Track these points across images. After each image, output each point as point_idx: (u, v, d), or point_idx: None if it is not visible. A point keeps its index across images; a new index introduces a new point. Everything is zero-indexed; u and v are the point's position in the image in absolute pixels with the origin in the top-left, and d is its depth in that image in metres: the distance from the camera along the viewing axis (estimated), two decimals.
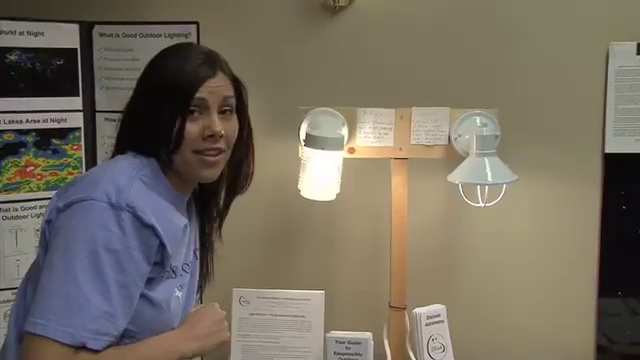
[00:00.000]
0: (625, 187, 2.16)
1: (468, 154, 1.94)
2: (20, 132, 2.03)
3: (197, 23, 2.08)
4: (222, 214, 1.49)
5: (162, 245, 1.24)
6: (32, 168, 2.05)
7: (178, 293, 1.35)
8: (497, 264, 2.22)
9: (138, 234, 1.20)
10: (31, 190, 2.06)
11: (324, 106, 2.01)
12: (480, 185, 1.94)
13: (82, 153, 2.12)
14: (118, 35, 2.12)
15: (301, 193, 1.99)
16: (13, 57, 2.00)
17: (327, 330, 2.05)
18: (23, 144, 2.04)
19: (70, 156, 2.10)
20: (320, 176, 1.96)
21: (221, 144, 1.31)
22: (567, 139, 2.17)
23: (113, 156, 1.34)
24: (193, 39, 2.07)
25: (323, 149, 1.93)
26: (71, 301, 1.15)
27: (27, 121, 2.03)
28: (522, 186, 2.01)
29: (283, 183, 2.14)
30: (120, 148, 1.34)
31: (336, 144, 1.95)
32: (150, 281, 1.25)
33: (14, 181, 2.04)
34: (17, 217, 2.04)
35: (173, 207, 1.30)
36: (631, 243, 2.17)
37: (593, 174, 2.17)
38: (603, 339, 2.20)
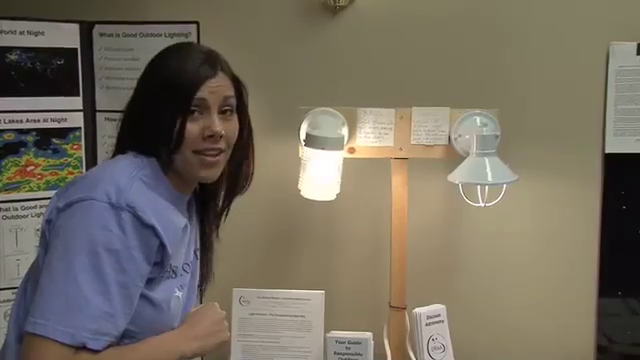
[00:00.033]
0: (625, 187, 2.16)
1: (468, 154, 1.94)
2: (20, 132, 2.03)
3: (197, 23, 2.08)
4: (222, 214, 1.49)
5: (162, 245, 1.24)
6: (32, 168, 2.05)
7: (178, 293, 1.35)
8: (497, 264, 2.22)
9: (138, 234, 1.20)
10: (31, 190, 2.06)
11: (324, 106, 2.00)
12: (480, 185, 1.94)
13: (82, 153, 2.12)
14: (118, 35, 2.12)
15: (301, 193, 1.99)
16: (13, 57, 2.00)
17: (327, 330, 2.05)
18: (23, 144, 2.04)
19: (70, 156, 2.10)
20: (320, 176, 1.96)
21: (221, 144, 1.31)
22: (567, 139, 2.17)
23: (113, 156, 1.34)
24: (193, 39, 2.07)
25: (323, 149, 1.93)
26: (71, 301, 1.15)
27: (27, 121, 2.04)
28: (522, 186, 2.01)
29: (283, 183, 2.14)
30: (120, 148, 1.34)
31: (336, 144, 1.95)
32: (150, 281, 1.25)
33: (14, 181, 2.04)
34: (17, 217, 2.04)
35: (173, 207, 1.30)
36: (631, 243, 2.17)
37: (593, 174, 2.17)
38: (603, 339, 2.20)
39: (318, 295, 2.08)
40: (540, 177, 2.16)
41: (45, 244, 1.24)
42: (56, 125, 2.07)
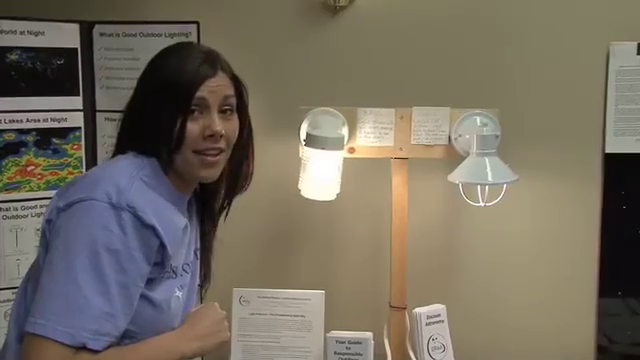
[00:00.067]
0: (625, 187, 2.16)
1: (468, 154, 1.94)
2: (20, 131, 2.03)
3: (197, 23, 2.08)
4: (221, 214, 1.49)
5: (162, 245, 1.24)
6: (32, 167, 2.05)
7: (178, 293, 1.35)
8: (497, 264, 2.22)
9: (139, 234, 1.20)
10: (31, 189, 2.06)
11: (324, 106, 2.00)
12: (480, 185, 1.94)
13: (82, 153, 2.12)
14: (118, 35, 2.12)
15: (301, 193, 1.99)
16: (13, 56, 2.00)
17: (327, 330, 2.05)
18: (23, 143, 2.04)
19: (70, 156, 2.10)
20: (320, 176, 1.96)
21: (221, 144, 1.31)
22: (567, 139, 2.17)
23: (113, 156, 1.34)
24: (193, 39, 2.07)
25: (323, 149, 1.93)
26: (71, 301, 1.15)
27: (27, 120, 2.04)
28: (522, 186, 2.01)
29: (283, 183, 2.14)
30: (121, 148, 1.34)
31: (336, 144, 1.95)
32: (150, 281, 1.25)
33: (14, 180, 2.04)
34: (17, 216, 2.04)
35: (174, 207, 1.30)
36: (631, 243, 2.17)
37: (593, 174, 2.17)
38: (603, 339, 2.20)
39: (318, 295, 2.08)
40: (540, 177, 2.16)
41: (45, 244, 1.24)
42: (56, 125, 2.07)
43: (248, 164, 1.44)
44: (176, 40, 1.96)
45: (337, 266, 2.26)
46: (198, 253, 1.46)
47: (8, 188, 2.03)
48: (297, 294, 2.09)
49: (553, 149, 2.16)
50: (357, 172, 2.09)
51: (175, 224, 1.29)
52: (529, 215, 2.20)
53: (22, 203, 2.05)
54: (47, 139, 2.06)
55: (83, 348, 1.16)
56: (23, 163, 2.04)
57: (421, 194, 2.13)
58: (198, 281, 1.49)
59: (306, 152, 1.96)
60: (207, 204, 1.47)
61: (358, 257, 2.25)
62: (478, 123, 1.97)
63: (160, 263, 1.26)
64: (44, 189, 2.07)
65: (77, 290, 1.15)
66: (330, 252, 2.26)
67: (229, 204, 1.47)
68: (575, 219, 2.19)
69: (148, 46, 1.98)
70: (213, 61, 1.32)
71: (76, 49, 2.09)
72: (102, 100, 2.13)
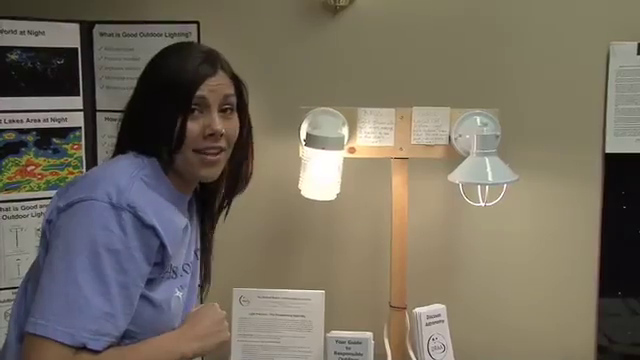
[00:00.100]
0: (625, 187, 2.16)
1: (468, 154, 1.94)
2: (21, 131, 2.03)
3: (197, 22, 2.08)
4: (220, 213, 1.49)
5: (163, 246, 1.24)
6: (32, 167, 2.05)
7: (179, 293, 1.35)
8: (497, 264, 2.22)
9: (139, 234, 1.20)
10: (31, 189, 2.06)
11: (324, 106, 2.00)
12: (480, 185, 1.94)
13: (82, 152, 2.12)
14: (118, 34, 2.12)
15: (301, 193, 1.99)
16: (14, 56, 2.00)
17: (327, 330, 2.05)
18: (24, 143, 2.04)
19: (70, 155, 2.10)
20: (320, 176, 1.96)
21: (222, 143, 1.31)
22: (567, 139, 2.17)
23: (114, 156, 1.34)
24: (193, 38, 2.07)
25: (323, 149, 1.93)
26: (71, 302, 1.15)
27: (27, 120, 2.04)
28: (522, 186, 2.01)
29: (283, 183, 2.14)
30: (121, 148, 1.34)
31: (336, 144, 1.95)
32: (150, 282, 1.25)
33: (14, 180, 2.04)
34: (17, 216, 2.04)
35: (174, 207, 1.30)
36: (631, 243, 2.17)
37: (593, 174, 2.17)
38: (603, 339, 2.20)
39: (318, 295, 2.08)
40: (540, 177, 2.16)
41: (46, 244, 1.24)
42: (56, 125, 2.07)
43: (248, 164, 1.44)
44: (176, 40, 1.97)
45: (337, 266, 2.26)
46: (198, 253, 1.46)
47: (8, 188, 2.03)
48: (297, 294, 2.09)
49: (553, 149, 2.16)
50: (357, 172, 2.09)
51: (175, 224, 1.29)
52: (529, 215, 2.20)
53: (22, 203, 2.05)
54: (47, 139, 2.06)
55: (83, 348, 1.16)
56: (23, 163, 2.04)
57: (421, 194, 2.13)
58: (198, 281, 1.49)
59: (306, 152, 1.96)
60: (207, 204, 1.47)
61: (358, 257, 2.25)
62: (478, 123, 1.97)
63: (160, 263, 1.26)
64: (44, 189, 2.07)
65: (77, 290, 1.15)
66: (330, 252, 2.26)
67: (229, 204, 1.47)
68: (575, 219, 2.19)
69: (148, 46, 1.98)
70: (213, 60, 1.32)
71: (76, 49, 2.09)
72: (102, 100, 2.13)
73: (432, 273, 2.21)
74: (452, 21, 2.17)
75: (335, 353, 2.01)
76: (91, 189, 1.20)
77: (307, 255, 2.27)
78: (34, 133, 2.05)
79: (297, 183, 1.99)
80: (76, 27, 2.09)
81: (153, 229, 1.21)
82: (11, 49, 1.99)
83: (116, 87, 2.10)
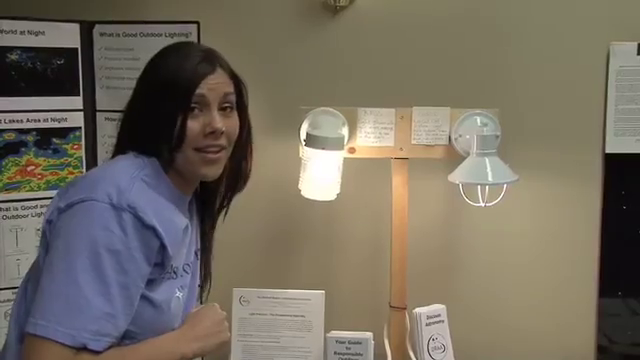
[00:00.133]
0: (625, 187, 2.16)
1: (469, 154, 1.94)
2: (21, 131, 2.03)
3: (197, 23, 2.08)
4: (220, 213, 1.48)
5: (163, 246, 1.24)
6: (32, 167, 2.05)
7: (179, 294, 1.34)
8: (497, 264, 2.22)
9: (139, 235, 1.20)
10: (31, 189, 2.06)
11: (324, 106, 2.00)
12: (481, 185, 1.94)
13: (82, 152, 2.12)
14: (119, 34, 2.11)
15: (301, 193, 1.99)
16: (14, 56, 2.00)
17: (327, 330, 2.05)
18: (24, 143, 2.04)
19: (71, 155, 2.10)
20: (320, 176, 1.96)
21: (222, 141, 1.31)
22: (567, 139, 2.17)
23: (113, 156, 1.34)
24: (193, 39, 2.07)
25: (324, 149, 1.93)
26: (72, 302, 1.15)
27: (28, 120, 2.04)
28: (522, 186, 2.01)
29: (283, 183, 2.14)
30: (120, 148, 1.34)
31: (337, 144, 1.95)
32: (151, 282, 1.25)
33: (14, 180, 2.04)
34: (17, 216, 2.04)
35: (175, 207, 1.30)
36: (631, 243, 2.17)
37: (593, 174, 2.17)
38: (603, 339, 2.20)
39: (318, 295, 2.08)
40: (540, 177, 2.16)
41: (46, 244, 1.24)
42: (56, 125, 2.07)
43: (247, 163, 1.44)
44: (176, 40, 1.96)
45: (337, 266, 2.26)
46: (199, 253, 1.46)
47: (8, 188, 2.03)
48: (297, 294, 2.09)
49: (553, 149, 2.16)
50: (357, 172, 2.09)
51: (176, 224, 1.29)
52: (529, 215, 2.20)
53: (22, 203, 2.04)
54: (47, 139, 2.06)
55: (84, 349, 1.15)
56: (23, 163, 2.04)
57: (421, 194, 2.13)
58: (198, 281, 1.49)
59: (306, 152, 1.96)
60: (207, 203, 1.46)
61: (358, 257, 2.25)
62: (478, 123, 1.97)
63: (160, 264, 1.26)
64: (44, 189, 2.06)
65: (78, 291, 1.15)
66: (330, 252, 2.26)
67: (228, 203, 1.47)
68: (575, 219, 2.19)
69: (148, 46, 1.97)
70: (212, 59, 1.32)
71: (76, 49, 2.09)
72: (102, 100, 2.13)
73: (432, 273, 2.21)
74: (452, 21, 2.17)
75: (335, 353, 2.01)
76: (91, 190, 1.20)
77: (307, 255, 2.27)
78: (34, 133, 2.05)
79: (297, 183, 1.99)
80: (76, 27, 2.09)
81: (153, 230, 1.21)
82: (11, 49, 1.99)
83: (116, 87, 2.10)
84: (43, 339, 1.14)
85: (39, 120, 2.05)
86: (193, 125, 1.28)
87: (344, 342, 2.01)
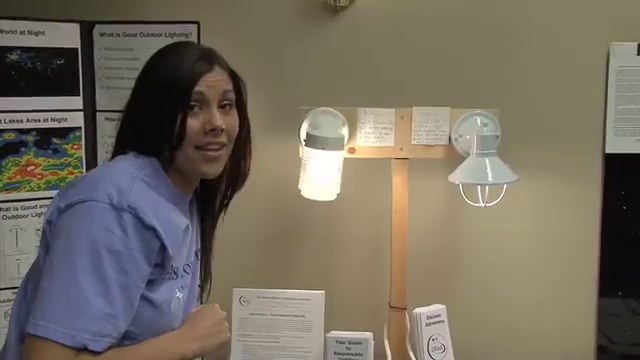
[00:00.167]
0: (625, 187, 2.16)
1: (469, 154, 1.94)
2: (21, 131, 2.03)
3: (198, 23, 2.08)
4: (220, 212, 1.48)
5: (163, 247, 1.24)
6: (32, 167, 2.05)
7: (179, 294, 1.34)
8: (497, 264, 2.22)
9: (139, 235, 1.19)
10: (31, 189, 2.06)
11: (324, 106, 2.00)
12: (481, 185, 1.94)
13: (82, 152, 2.12)
14: (119, 35, 2.11)
15: (301, 193, 1.99)
16: (14, 56, 2.00)
17: (327, 330, 2.05)
18: (24, 143, 2.04)
19: (71, 155, 2.10)
20: (320, 176, 1.96)
21: (222, 138, 1.31)
22: (567, 139, 2.17)
23: (113, 156, 1.34)
24: (194, 39, 2.07)
25: (323, 149, 1.93)
26: (72, 303, 1.15)
27: (27, 120, 2.03)
28: (522, 186, 2.01)
29: (283, 183, 2.14)
30: (120, 148, 1.34)
31: (337, 144, 1.95)
32: (151, 282, 1.25)
33: (14, 180, 2.04)
34: (17, 216, 2.04)
35: (175, 207, 1.30)
36: (631, 243, 2.17)
37: (593, 174, 2.17)
38: (603, 339, 2.20)
39: (318, 295, 2.08)
40: (540, 177, 2.16)
41: (46, 245, 1.24)
42: (56, 125, 2.07)
43: (246, 161, 1.44)
44: (176, 40, 1.96)
45: (337, 266, 2.26)
46: (199, 254, 1.46)
47: (8, 188, 2.03)
48: (297, 294, 2.09)
49: (553, 149, 2.16)
50: (357, 172, 2.09)
51: (176, 225, 1.29)
52: (529, 215, 2.20)
53: (22, 203, 2.04)
54: (47, 139, 2.06)
55: (84, 349, 1.15)
56: (23, 163, 2.04)
57: (421, 194, 2.13)
58: (198, 282, 1.49)
59: (306, 152, 1.96)
60: (207, 202, 1.46)
61: (358, 257, 2.25)
62: (478, 123, 1.97)
63: (161, 264, 1.26)
64: (44, 189, 2.06)
65: (78, 291, 1.15)
66: (330, 252, 2.26)
67: (228, 201, 1.47)
68: (575, 219, 2.19)
69: (148, 46, 1.96)
70: (209, 57, 1.32)
71: (76, 49, 2.09)
72: (102, 100, 2.12)
73: (432, 273, 2.21)
74: (452, 21, 2.16)
75: (335, 353, 2.01)
76: (91, 190, 1.20)
77: (307, 255, 2.27)
78: (34, 133, 2.05)
79: (297, 183, 1.99)
80: (76, 27, 2.08)
81: (154, 230, 1.21)
82: (11, 49, 1.99)
83: (116, 87, 2.10)
84: (43, 340, 1.14)
85: (39, 120, 2.05)
86: (193, 123, 1.28)
87: (344, 342, 2.01)
